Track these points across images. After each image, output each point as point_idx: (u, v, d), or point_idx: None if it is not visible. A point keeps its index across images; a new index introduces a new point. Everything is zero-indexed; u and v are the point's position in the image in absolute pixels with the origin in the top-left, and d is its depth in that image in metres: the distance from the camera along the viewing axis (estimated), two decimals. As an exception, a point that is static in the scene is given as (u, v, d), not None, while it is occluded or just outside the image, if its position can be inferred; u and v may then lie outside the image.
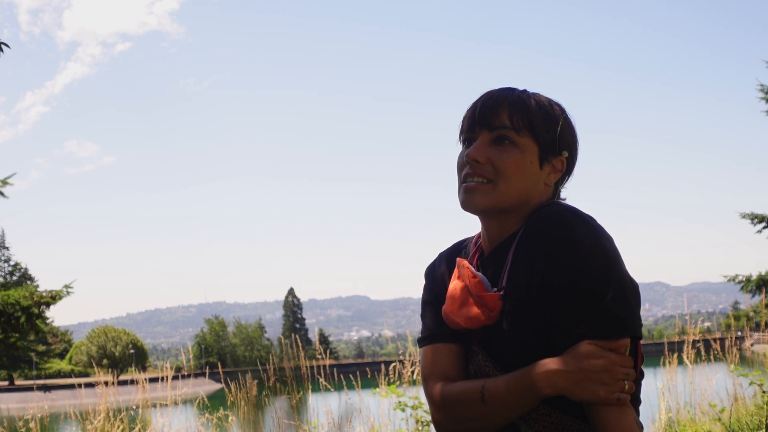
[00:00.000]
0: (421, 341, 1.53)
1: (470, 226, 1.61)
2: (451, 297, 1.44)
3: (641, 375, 1.41)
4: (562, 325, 1.28)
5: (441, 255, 1.60)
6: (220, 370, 7.14)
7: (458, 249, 1.58)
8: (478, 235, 1.53)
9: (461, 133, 1.48)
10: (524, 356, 1.32)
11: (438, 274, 1.57)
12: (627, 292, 1.29)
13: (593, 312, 1.26)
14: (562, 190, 1.50)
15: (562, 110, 1.47)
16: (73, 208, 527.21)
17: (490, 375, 1.37)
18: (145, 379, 6.57)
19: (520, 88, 1.48)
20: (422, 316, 1.57)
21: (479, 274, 1.42)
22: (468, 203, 1.43)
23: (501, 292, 1.38)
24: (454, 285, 1.45)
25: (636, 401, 1.37)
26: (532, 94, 1.46)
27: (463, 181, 1.44)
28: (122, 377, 7.31)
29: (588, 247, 1.28)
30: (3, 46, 3.41)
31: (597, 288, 1.26)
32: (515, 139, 1.41)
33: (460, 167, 1.46)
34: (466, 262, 1.45)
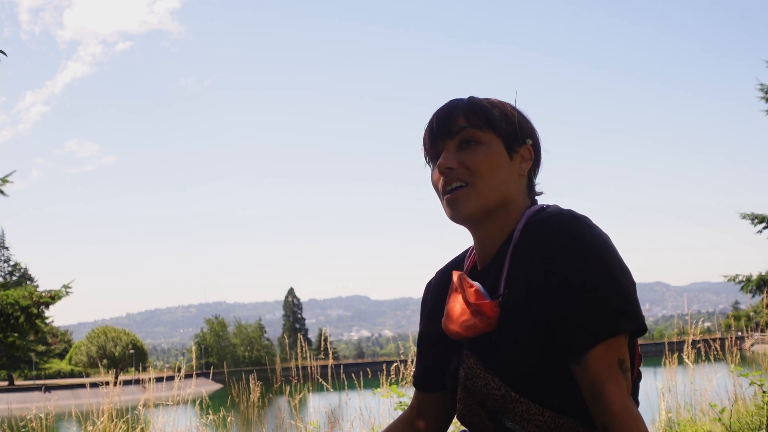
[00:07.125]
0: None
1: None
2: (450, 310, 1.43)
3: (639, 376, 1.40)
4: (571, 327, 1.27)
5: (438, 273, 1.63)
6: (225, 370, 7.17)
7: (453, 265, 1.60)
8: (471, 248, 1.54)
9: (426, 152, 1.49)
10: (517, 360, 1.31)
11: (429, 295, 1.62)
12: (630, 287, 1.29)
13: (603, 310, 1.26)
14: (535, 181, 1.50)
15: (512, 104, 1.49)
16: (73, 208, 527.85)
17: (480, 378, 1.36)
18: (148, 379, 6.59)
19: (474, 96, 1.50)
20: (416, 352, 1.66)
21: (476, 283, 1.40)
22: (455, 213, 1.42)
23: (499, 300, 1.36)
24: (452, 298, 1.45)
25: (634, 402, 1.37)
26: (481, 97, 1.48)
27: (443, 193, 1.44)
28: (123, 377, 7.33)
29: (590, 247, 1.28)
30: (1, 55, 3.43)
31: (603, 285, 1.26)
32: (478, 136, 1.42)
33: (436, 184, 1.46)
34: (462, 274, 1.45)
